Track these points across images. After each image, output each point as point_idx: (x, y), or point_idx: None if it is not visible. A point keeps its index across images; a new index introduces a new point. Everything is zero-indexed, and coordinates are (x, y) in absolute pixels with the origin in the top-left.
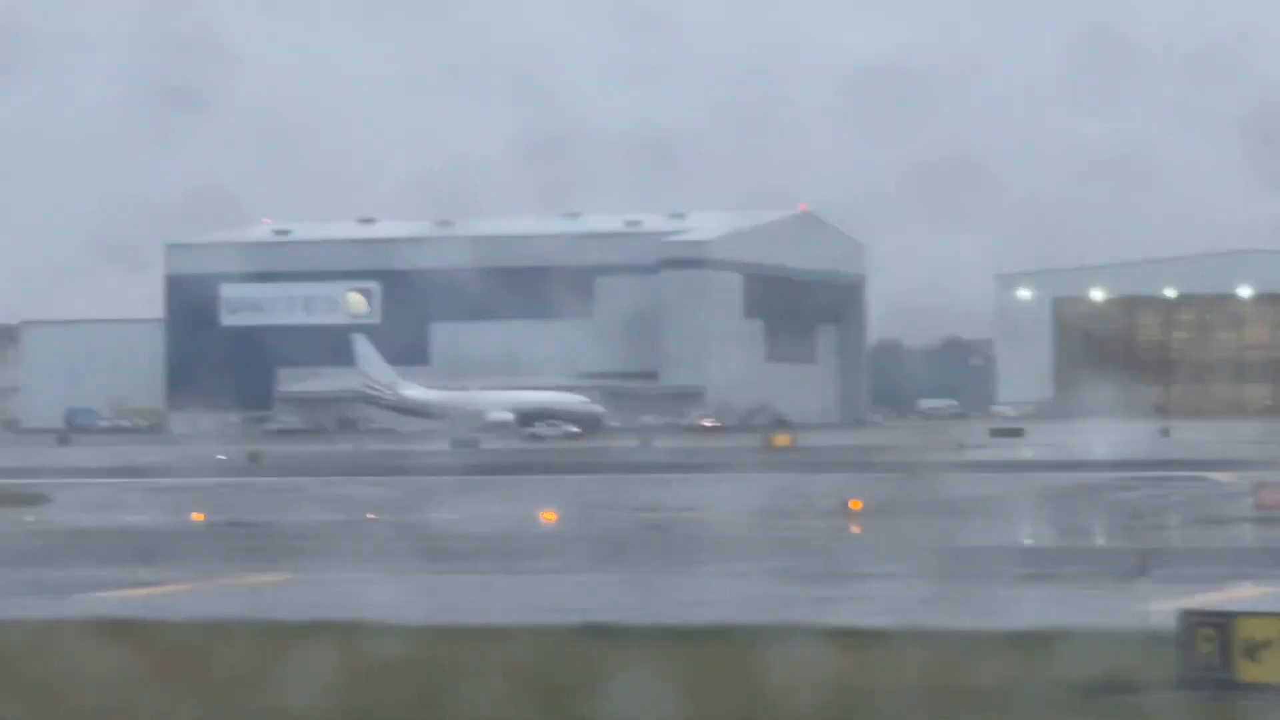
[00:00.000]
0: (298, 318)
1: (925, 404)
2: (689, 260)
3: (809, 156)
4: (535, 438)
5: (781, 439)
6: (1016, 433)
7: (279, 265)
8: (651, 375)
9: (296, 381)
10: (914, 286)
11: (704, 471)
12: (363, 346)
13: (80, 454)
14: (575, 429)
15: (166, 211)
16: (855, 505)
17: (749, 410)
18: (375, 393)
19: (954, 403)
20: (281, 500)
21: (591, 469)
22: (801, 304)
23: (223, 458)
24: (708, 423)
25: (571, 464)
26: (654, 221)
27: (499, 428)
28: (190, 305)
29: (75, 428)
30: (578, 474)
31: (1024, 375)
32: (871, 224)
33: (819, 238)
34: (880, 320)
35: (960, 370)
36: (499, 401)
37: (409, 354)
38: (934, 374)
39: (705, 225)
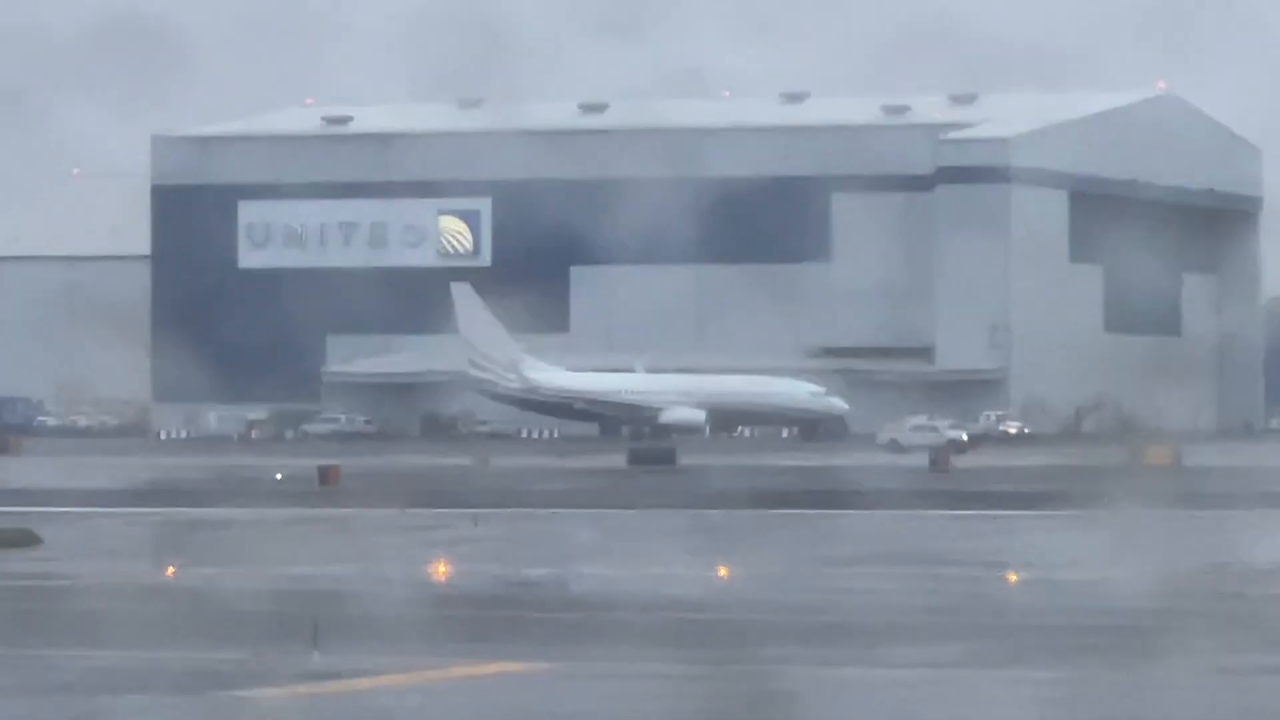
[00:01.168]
0: (360, 256)
1: None
2: (983, 169)
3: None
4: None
5: (1158, 453)
6: None
7: (330, 173)
8: (923, 353)
9: (357, 358)
10: None
11: (1070, 506)
12: (466, 301)
13: (36, 467)
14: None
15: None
16: None
17: (1078, 409)
18: (487, 376)
19: None
20: (432, 543)
21: (878, 501)
22: (1162, 241)
23: (280, 477)
24: (1011, 428)
25: (843, 492)
26: (925, 107)
27: (683, 431)
28: (190, 235)
29: (6, 427)
30: (865, 509)
31: None
32: (1272, 118)
33: (1189, 136)
34: (1278, 269)
35: None
36: (683, 392)
37: (536, 314)
38: None
39: (1007, 114)
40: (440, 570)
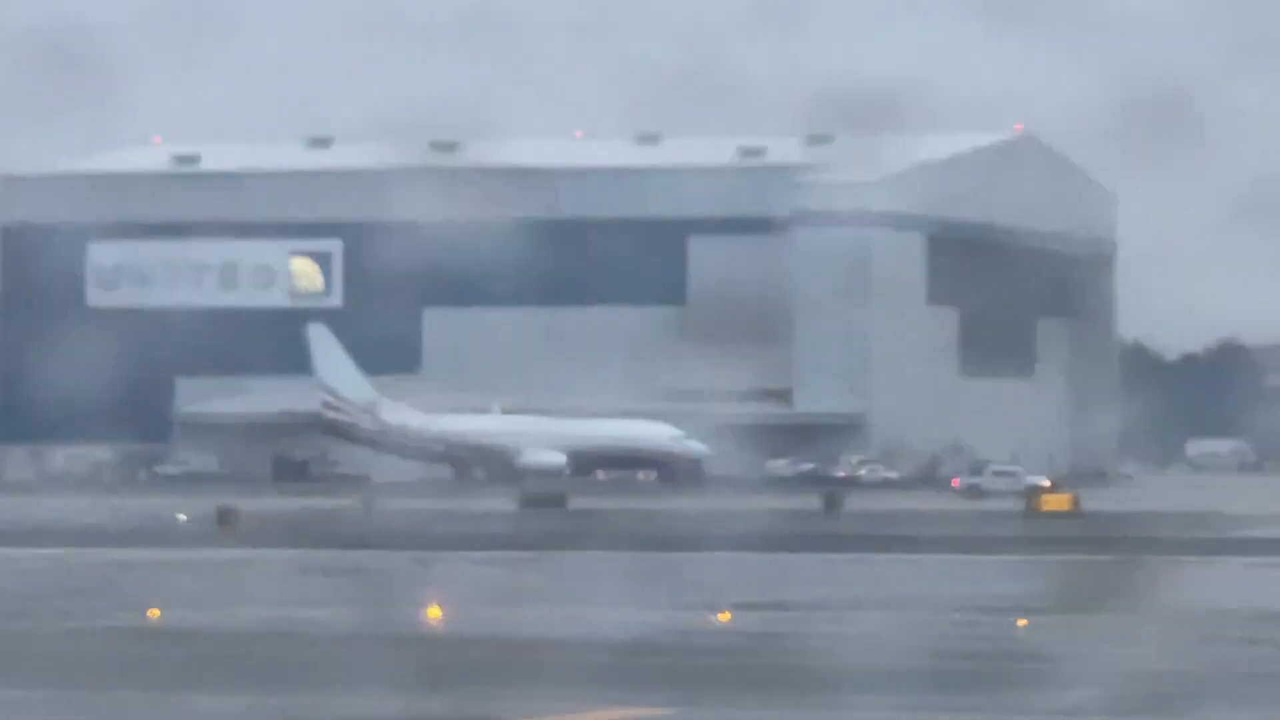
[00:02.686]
0: (210, 296)
1: (1196, 447)
2: (839, 213)
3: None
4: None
5: (1054, 500)
6: None
7: (181, 212)
8: (781, 396)
9: (208, 398)
10: (1182, 262)
11: (1012, 552)
12: (322, 342)
13: None
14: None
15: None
16: None
17: (932, 454)
18: (342, 417)
19: (1240, 445)
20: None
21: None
22: (1017, 284)
23: (183, 517)
24: (881, 473)
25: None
26: (781, 149)
27: (542, 474)
28: (38, 275)
29: None
30: (803, 550)
31: None
32: (1124, 160)
33: (1044, 178)
34: (1131, 314)
35: (1248, 395)
36: (543, 434)
37: (388, 355)
38: (1206, 400)
39: (864, 156)
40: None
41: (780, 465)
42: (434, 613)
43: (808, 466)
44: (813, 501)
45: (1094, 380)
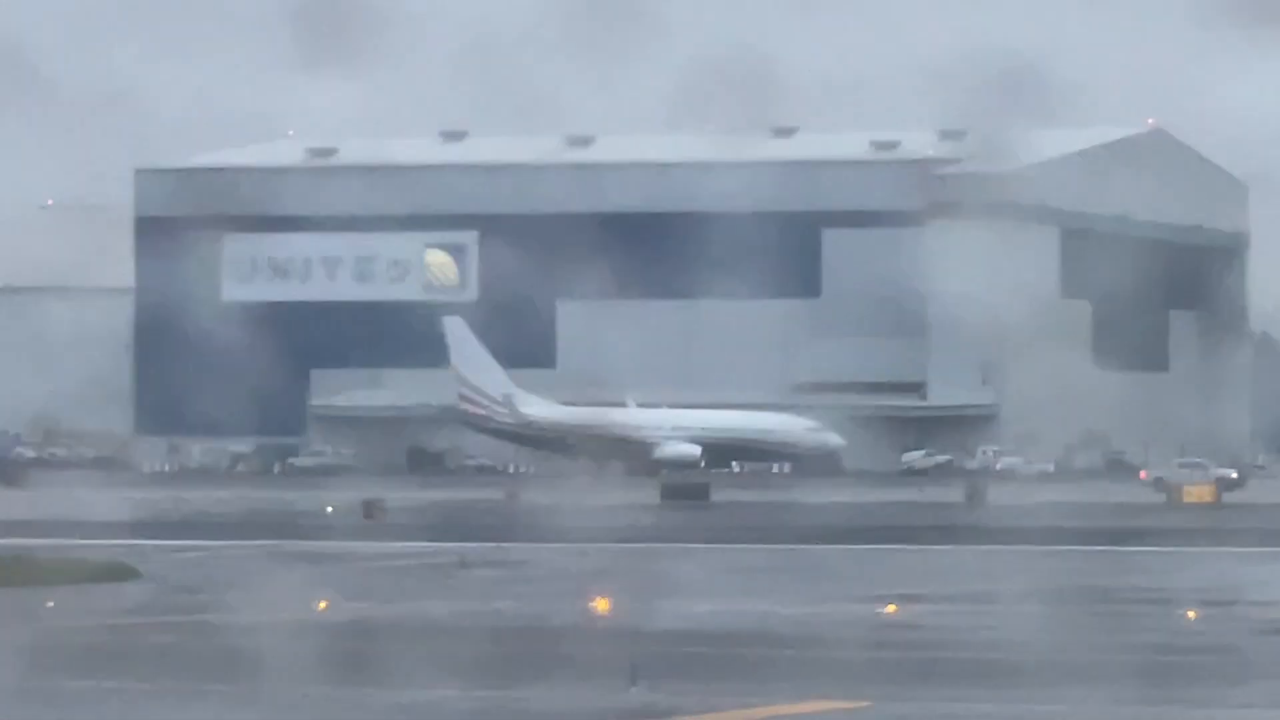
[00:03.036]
0: (345, 289)
1: None
2: (974, 206)
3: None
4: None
5: (1196, 492)
6: None
7: (315, 205)
8: (915, 388)
9: (342, 391)
10: None
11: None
12: (459, 334)
13: (60, 500)
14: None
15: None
16: None
17: (1066, 445)
18: (478, 409)
19: None
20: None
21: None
22: (1149, 277)
23: (331, 509)
24: (1035, 465)
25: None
26: (916, 141)
27: (678, 466)
28: (173, 268)
29: None
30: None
31: None
32: (1259, 154)
33: (1176, 172)
34: (1263, 306)
35: None
36: (679, 427)
37: (522, 348)
38: None
39: (998, 149)
40: (609, 605)
41: (916, 457)
42: (603, 605)
43: (944, 458)
44: (954, 494)
45: (1225, 372)
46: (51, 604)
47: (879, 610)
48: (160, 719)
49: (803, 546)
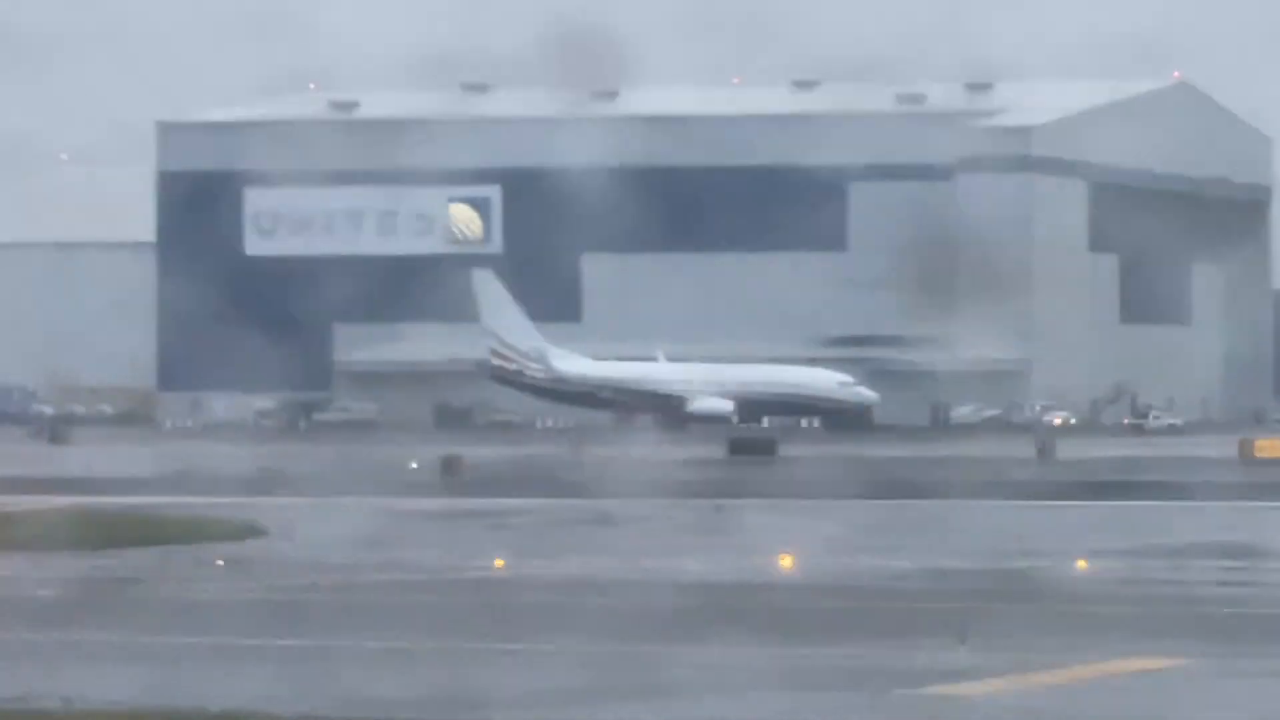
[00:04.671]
0: (369, 243)
1: None
2: (1004, 158)
3: None
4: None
5: (1269, 446)
6: None
7: (338, 159)
8: (944, 342)
9: (365, 346)
10: None
11: None
12: (488, 288)
13: (123, 458)
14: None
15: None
16: None
17: (1094, 400)
18: (509, 364)
19: None
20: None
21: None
22: (1174, 230)
23: (414, 466)
24: (1056, 419)
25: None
26: (943, 95)
27: (711, 420)
28: (195, 222)
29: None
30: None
31: None
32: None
33: (1202, 126)
34: None
35: None
36: (712, 382)
37: (548, 302)
38: None
39: (1027, 102)
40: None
41: (965, 412)
42: (786, 561)
43: (993, 413)
44: (1013, 448)
45: (1249, 325)
46: (220, 562)
47: (1074, 564)
48: (524, 678)
49: (900, 501)
